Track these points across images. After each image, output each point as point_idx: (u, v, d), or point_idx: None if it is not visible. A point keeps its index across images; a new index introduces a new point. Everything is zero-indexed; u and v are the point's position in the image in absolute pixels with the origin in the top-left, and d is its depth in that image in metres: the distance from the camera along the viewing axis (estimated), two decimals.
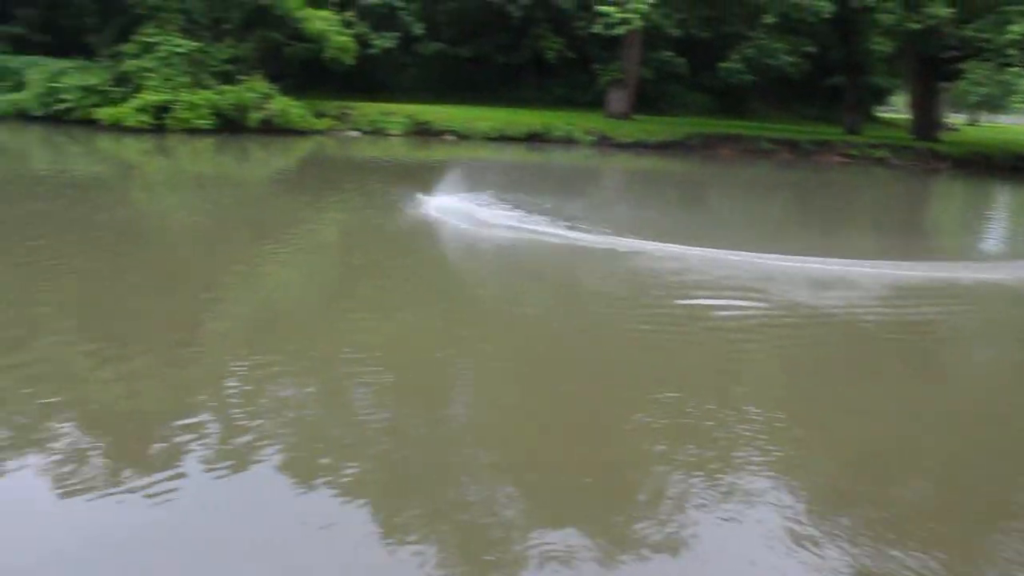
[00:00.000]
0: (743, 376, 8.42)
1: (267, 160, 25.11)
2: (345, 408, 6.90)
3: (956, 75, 47.93)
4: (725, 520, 5.42)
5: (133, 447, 5.95)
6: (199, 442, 6.02)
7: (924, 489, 6.36)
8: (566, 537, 5.12)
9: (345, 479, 5.66)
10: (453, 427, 6.74)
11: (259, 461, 5.82)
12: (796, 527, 5.36)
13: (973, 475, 6.48)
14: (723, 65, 40.74)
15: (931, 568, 4.98)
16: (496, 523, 5.28)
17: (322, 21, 32.55)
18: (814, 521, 5.46)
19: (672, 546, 5.16)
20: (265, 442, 6.07)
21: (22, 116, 28.59)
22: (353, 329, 9.00)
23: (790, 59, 41.28)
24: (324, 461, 5.91)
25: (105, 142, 25.35)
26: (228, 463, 5.75)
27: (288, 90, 31.18)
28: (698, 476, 5.97)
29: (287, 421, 6.48)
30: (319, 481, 5.61)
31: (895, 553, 5.10)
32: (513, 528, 5.25)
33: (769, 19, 35.60)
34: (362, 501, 5.41)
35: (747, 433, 6.70)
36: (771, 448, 6.48)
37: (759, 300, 10.80)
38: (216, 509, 5.30)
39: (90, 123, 27.51)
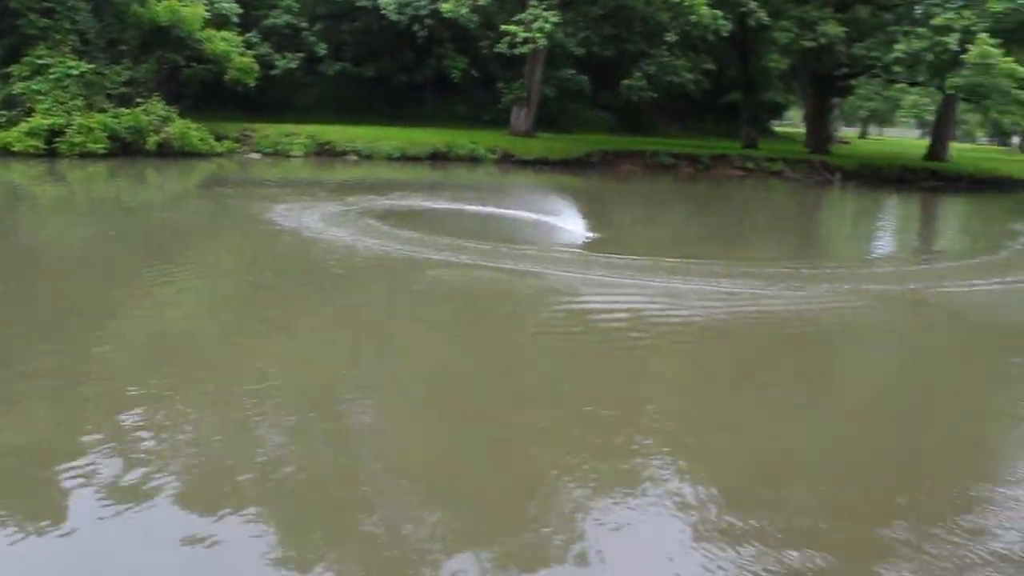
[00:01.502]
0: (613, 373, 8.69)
1: (163, 184, 24.71)
2: (244, 436, 6.85)
3: (847, 91, 49.86)
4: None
5: (18, 483, 5.90)
6: (89, 477, 5.96)
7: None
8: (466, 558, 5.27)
9: (244, 511, 5.66)
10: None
11: (154, 495, 5.79)
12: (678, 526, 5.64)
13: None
14: (625, 82, 41.63)
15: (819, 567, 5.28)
16: (399, 550, 5.39)
17: (224, 42, 32.21)
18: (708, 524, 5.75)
19: (580, 556, 5.36)
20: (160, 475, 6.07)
21: None
22: (249, 353, 9.03)
23: (691, 76, 42.39)
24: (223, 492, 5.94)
25: None
26: (119, 498, 5.69)
27: (187, 112, 30.76)
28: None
29: (182, 453, 6.48)
30: (218, 514, 5.59)
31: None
32: (413, 551, 5.36)
33: (670, 37, 36.51)
34: (262, 533, 5.42)
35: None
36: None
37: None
38: (106, 545, 5.27)
39: None
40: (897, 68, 36.68)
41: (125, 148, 28.15)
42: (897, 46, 33.56)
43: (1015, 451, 7.93)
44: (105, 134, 27.51)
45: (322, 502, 5.91)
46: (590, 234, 16.82)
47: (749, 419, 7.96)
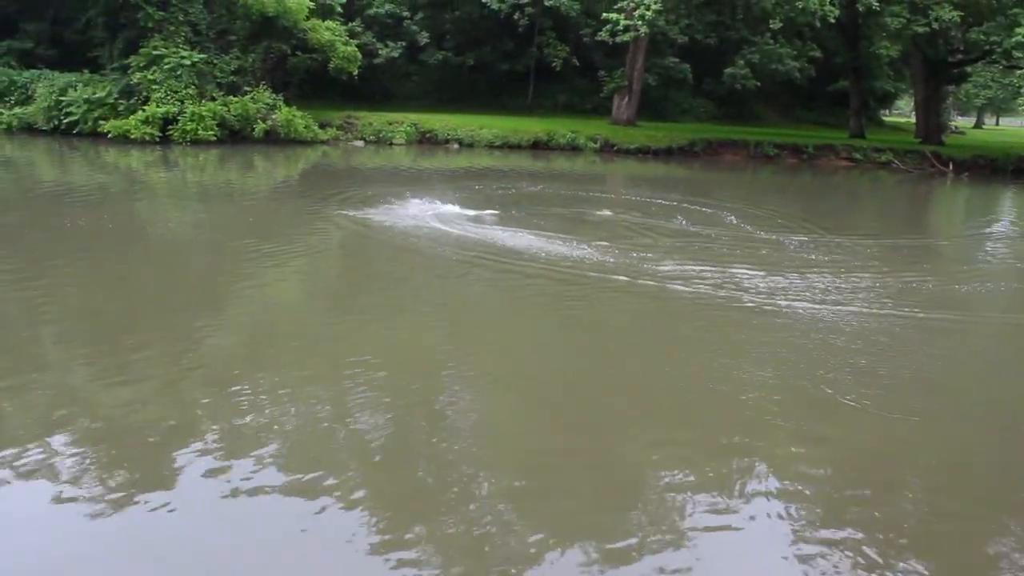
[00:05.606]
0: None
1: (271, 170, 25.21)
2: (351, 423, 6.88)
3: (962, 78, 48.03)
4: None
5: (137, 462, 6.01)
6: (203, 458, 6.08)
7: None
8: None
9: (349, 497, 5.70)
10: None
11: (264, 478, 5.87)
12: None
13: None
14: (728, 70, 40.90)
15: None
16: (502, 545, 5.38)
17: (328, 31, 32.75)
18: None
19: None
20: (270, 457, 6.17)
21: (28, 130, 28.78)
22: (357, 338, 9.12)
23: (796, 64, 41.35)
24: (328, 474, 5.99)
25: (110, 155, 25.48)
26: (231, 481, 5.79)
27: (293, 100, 31.38)
28: None
29: (294, 435, 6.57)
30: (324, 498, 5.66)
31: None
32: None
33: (775, 24, 35.68)
34: (369, 520, 5.45)
35: None
36: None
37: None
38: (218, 527, 5.35)
39: (96, 136, 27.68)
40: (1018, 53, 35.11)
41: (233, 135, 28.91)
42: (1019, 30, 32.13)
43: None
44: (215, 122, 28.28)
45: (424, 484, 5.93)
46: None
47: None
